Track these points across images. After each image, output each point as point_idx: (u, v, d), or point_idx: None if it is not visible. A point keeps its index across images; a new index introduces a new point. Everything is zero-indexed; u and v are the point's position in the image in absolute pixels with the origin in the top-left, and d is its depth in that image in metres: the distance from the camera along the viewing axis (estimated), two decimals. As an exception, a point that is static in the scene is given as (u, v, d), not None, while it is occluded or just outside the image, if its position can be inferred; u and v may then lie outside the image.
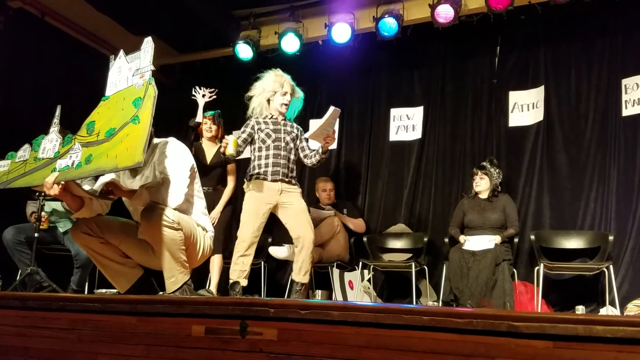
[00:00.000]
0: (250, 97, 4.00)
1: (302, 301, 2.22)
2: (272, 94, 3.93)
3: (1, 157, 2.80)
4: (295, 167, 3.93)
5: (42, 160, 2.58)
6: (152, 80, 2.34)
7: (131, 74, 2.46)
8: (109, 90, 2.57)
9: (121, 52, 2.59)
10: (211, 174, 4.53)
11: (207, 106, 4.59)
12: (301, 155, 3.97)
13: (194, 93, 4.57)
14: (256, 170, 3.82)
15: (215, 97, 4.59)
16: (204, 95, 4.54)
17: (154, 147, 2.76)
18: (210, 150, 4.60)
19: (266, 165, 3.81)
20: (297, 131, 3.99)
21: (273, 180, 3.77)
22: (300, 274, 3.80)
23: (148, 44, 2.44)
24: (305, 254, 3.78)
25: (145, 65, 2.41)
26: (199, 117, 4.51)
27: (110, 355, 1.98)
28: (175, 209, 2.63)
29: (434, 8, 4.87)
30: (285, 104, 3.94)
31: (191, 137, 4.54)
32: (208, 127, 4.60)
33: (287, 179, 3.82)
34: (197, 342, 1.84)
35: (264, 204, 3.77)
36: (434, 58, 5.65)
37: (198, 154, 4.47)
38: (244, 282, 3.77)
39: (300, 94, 4.09)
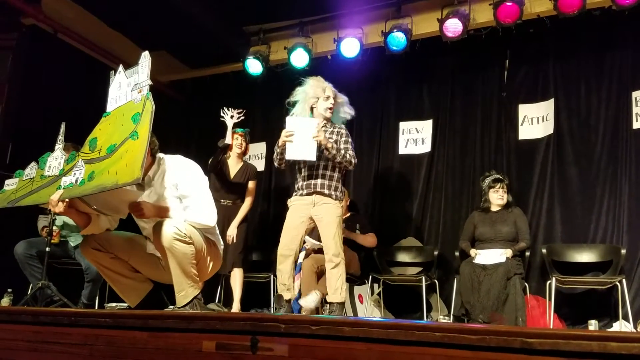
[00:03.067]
0: (294, 103, 3.99)
1: (313, 317, 2.21)
2: (315, 100, 3.90)
3: (11, 174, 2.82)
4: (337, 176, 3.82)
5: (47, 178, 2.61)
6: (149, 95, 2.36)
7: (130, 89, 2.48)
8: (110, 106, 2.59)
9: (120, 68, 2.61)
10: (232, 188, 4.70)
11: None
12: None
13: (222, 115, 4.63)
14: (295, 185, 3.87)
15: (243, 117, 4.64)
16: (232, 117, 4.61)
17: (159, 161, 2.77)
18: (235, 166, 4.76)
19: (302, 179, 3.81)
20: (337, 136, 3.85)
21: (307, 194, 3.75)
22: (330, 292, 3.67)
23: (145, 58, 2.46)
24: (331, 270, 3.66)
25: (143, 80, 2.42)
26: (228, 139, 4.59)
27: (122, 370, 1.98)
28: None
29: (442, 22, 4.88)
30: (330, 108, 3.88)
31: (219, 157, 4.63)
32: (239, 144, 4.75)
33: (321, 190, 3.73)
34: (208, 358, 1.84)
35: (298, 217, 3.74)
36: (443, 72, 5.66)
37: (222, 168, 4.62)
38: (286, 296, 3.71)
39: (343, 98, 4.05)
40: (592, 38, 5.00)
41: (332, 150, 3.70)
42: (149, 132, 2.24)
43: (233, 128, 4.61)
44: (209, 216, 2.68)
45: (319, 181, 3.76)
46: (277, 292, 3.80)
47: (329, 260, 3.66)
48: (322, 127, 3.80)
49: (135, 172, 2.15)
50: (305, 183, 3.78)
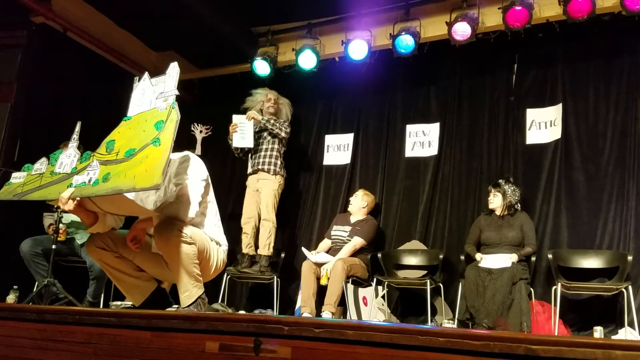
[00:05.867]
0: (244, 109, 5.53)
1: (316, 319, 2.21)
2: (262, 103, 5.60)
3: (18, 169, 2.83)
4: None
5: (58, 174, 2.59)
6: (175, 104, 2.36)
7: (155, 96, 2.48)
8: (131, 111, 2.58)
9: (146, 74, 2.61)
10: None
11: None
12: None
13: (192, 129, 5.39)
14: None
15: (210, 133, 5.46)
16: (201, 132, 5.38)
17: (171, 161, 2.78)
18: None
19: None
20: (278, 123, 5.52)
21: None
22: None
23: (174, 69, 2.46)
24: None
25: (170, 90, 2.43)
26: (198, 150, 5.17)
27: (125, 370, 1.98)
28: (188, 223, 2.64)
29: (451, 26, 4.88)
30: (272, 106, 5.57)
31: None
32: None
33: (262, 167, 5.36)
34: (211, 359, 1.84)
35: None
36: (451, 75, 5.65)
37: None
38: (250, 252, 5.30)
39: (285, 100, 5.72)
40: (601, 43, 4.98)
41: (266, 124, 5.34)
42: (172, 141, 2.25)
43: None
44: (187, 210, 2.64)
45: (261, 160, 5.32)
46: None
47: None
48: (268, 119, 5.37)
49: (155, 177, 2.15)
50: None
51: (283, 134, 5.40)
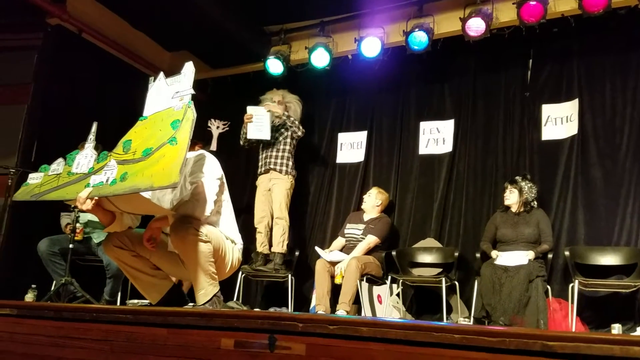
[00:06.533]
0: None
1: (330, 316, 2.21)
2: (269, 102, 5.53)
3: (35, 170, 2.85)
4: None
5: (75, 175, 2.61)
6: (191, 103, 2.38)
7: (170, 96, 2.49)
8: (147, 111, 2.60)
9: (161, 74, 2.63)
10: None
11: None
12: None
13: (209, 125, 5.39)
14: None
15: (227, 129, 5.45)
16: (218, 127, 5.38)
17: (187, 160, 2.79)
18: None
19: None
20: (288, 119, 5.48)
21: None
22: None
23: (189, 68, 2.48)
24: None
25: (186, 89, 2.44)
26: (213, 146, 5.16)
27: (141, 366, 2.00)
28: (204, 221, 2.66)
29: (464, 21, 4.84)
30: (278, 105, 5.47)
31: None
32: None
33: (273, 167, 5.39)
34: (226, 356, 1.85)
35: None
36: (465, 71, 5.61)
37: None
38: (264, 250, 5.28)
39: (292, 97, 5.62)
40: (617, 37, 4.91)
41: (286, 120, 5.35)
42: (189, 140, 2.26)
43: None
44: (203, 208, 2.67)
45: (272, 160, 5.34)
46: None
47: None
48: (288, 116, 5.37)
49: (172, 176, 2.17)
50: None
51: (300, 133, 5.40)
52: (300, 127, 5.40)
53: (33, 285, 4.40)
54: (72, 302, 4.32)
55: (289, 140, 5.42)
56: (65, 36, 5.27)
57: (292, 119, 5.39)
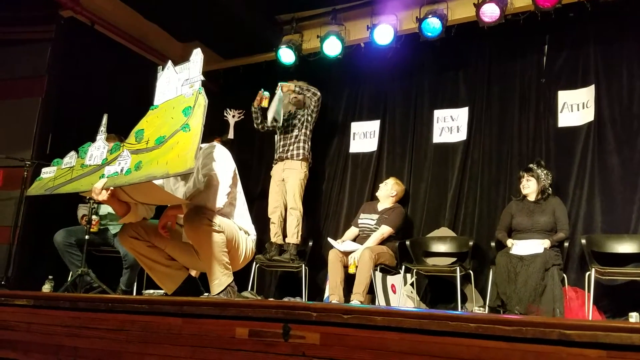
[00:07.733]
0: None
1: (344, 305, 2.20)
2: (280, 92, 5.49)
3: (50, 162, 2.87)
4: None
5: (89, 167, 2.62)
6: (202, 89, 2.38)
7: (180, 84, 2.49)
8: (158, 100, 2.60)
9: (169, 63, 2.63)
10: None
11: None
12: None
13: (225, 114, 5.61)
14: None
15: (243, 117, 5.62)
16: (233, 116, 5.56)
17: (199, 152, 2.80)
18: None
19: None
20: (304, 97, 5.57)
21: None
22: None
23: (197, 55, 2.47)
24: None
25: (195, 76, 2.44)
26: (230, 134, 5.35)
27: (157, 356, 2.01)
28: (217, 213, 2.66)
29: (479, 7, 4.78)
30: (289, 92, 5.43)
31: None
32: None
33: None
34: (241, 344, 1.85)
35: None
36: (479, 58, 5.54)
37: None
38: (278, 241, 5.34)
39: (299, 82, 5.48)
40: (635, 22, 4.81)
41: (301, 90, 5.33)
42: (202, 125, 2.27)
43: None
44: (216, 199, 2.67)
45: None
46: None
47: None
48: (301, 86, 5.34)
49: (188, 162, 2.18)
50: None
51: (316, 98, 5.30)
52: (318, 93, 5.32)
53: (50, 277, 4.45)
54: (89, 292, 4.36)
55: (305, 124, 5.40)
56: (78, 28, 5.30)
57: (305, 87, 5.36)
